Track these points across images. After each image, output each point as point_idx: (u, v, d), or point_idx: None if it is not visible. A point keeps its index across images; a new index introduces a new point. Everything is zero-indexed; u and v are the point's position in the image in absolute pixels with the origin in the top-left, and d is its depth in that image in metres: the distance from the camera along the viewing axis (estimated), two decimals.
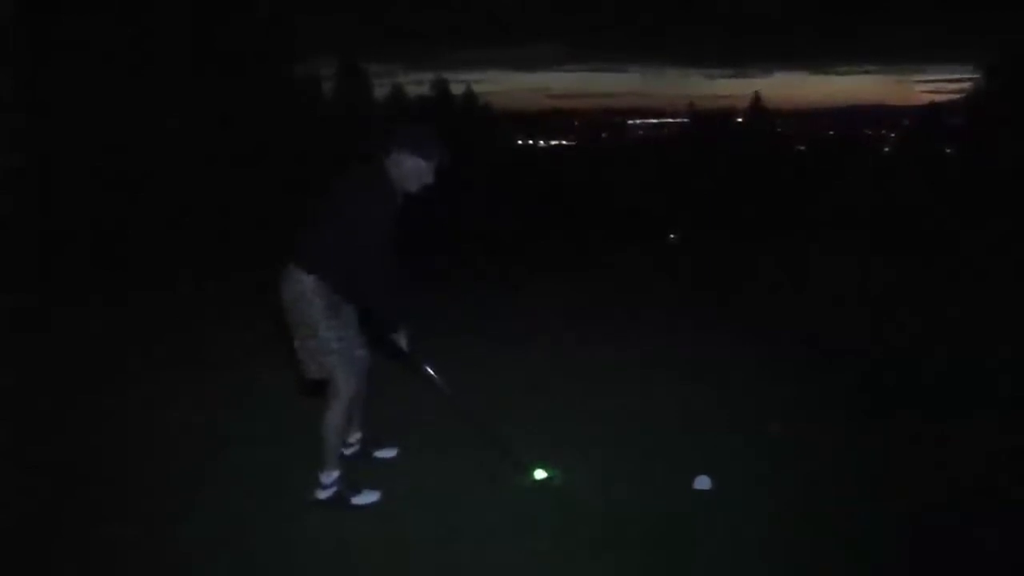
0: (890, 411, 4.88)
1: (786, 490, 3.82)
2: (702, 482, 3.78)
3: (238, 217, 12.60)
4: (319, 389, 3.67)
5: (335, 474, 3.66)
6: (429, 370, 3.81)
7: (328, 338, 3.52)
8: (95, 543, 3.40)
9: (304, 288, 3.47)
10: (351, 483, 3.71)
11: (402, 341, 3.66)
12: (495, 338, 6.49)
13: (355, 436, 4.10)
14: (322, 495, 3.65)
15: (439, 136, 3.55)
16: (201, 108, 14.28)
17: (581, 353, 6.10)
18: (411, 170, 3.48)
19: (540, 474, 3.87)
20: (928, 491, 3.82)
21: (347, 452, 3.95)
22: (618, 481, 3.90)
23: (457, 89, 53.16)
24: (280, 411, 4.84)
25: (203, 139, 13.97)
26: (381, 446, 4.21)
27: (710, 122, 74.24)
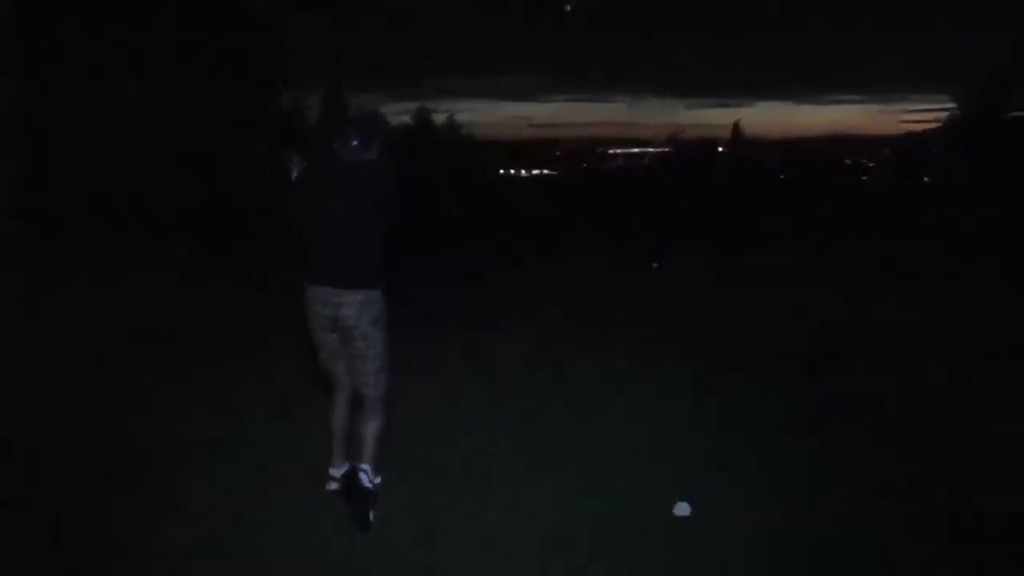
0: (889, 421, 4.94)
1: (785, 499, 3.85)
2: (682, 508, 3.72)
3: (236, 220, 12.70)
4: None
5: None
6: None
7: (387, 344, 3.64)
8: (95, 543, 3.42)
9: (378, 304, 3.57)
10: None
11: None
12: (493, 339, 6.62)
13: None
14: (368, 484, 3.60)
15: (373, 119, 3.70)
16: (195, 118, 14.44)
17: (579, 363, 6.18)
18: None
19: None
20: (930, 499, 3.89)
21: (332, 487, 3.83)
22: (612, 493, 3.91)
23: (439, 119, 53.45)
24: (281, 412, 4.90)
25: (200, 144, 14.13)
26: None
27: (691, 151, 74.96)
